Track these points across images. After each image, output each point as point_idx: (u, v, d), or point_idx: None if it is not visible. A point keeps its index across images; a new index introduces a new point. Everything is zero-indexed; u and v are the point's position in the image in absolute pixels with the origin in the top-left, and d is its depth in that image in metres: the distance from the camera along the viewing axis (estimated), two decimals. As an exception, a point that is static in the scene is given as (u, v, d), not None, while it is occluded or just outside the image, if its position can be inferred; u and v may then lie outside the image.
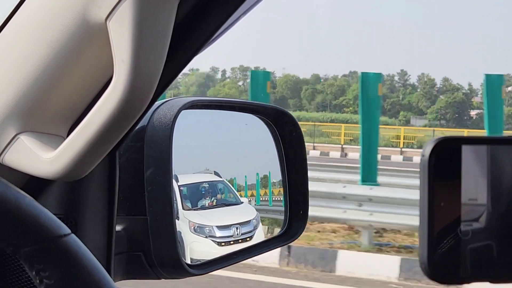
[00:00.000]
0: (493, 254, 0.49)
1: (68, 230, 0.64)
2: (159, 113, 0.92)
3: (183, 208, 1.07)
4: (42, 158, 0.72)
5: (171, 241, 0.91)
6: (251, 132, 1.16)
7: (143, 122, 0.92)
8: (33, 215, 0.62)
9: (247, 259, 1.08)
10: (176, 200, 1.05)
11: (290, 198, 1.12)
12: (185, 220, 1.07)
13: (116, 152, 0.87)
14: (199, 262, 1.02)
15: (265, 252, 1.09)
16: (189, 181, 1.10)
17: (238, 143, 1.19)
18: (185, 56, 0.80)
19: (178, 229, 1.02)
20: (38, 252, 0.61)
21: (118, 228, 0.91)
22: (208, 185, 1.13)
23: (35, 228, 0.62)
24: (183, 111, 0.93)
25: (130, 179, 0.92)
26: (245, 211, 1.14)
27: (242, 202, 1.13)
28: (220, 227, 1.11)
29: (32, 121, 0.75)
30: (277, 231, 1.15)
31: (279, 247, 1.12)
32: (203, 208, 1.12)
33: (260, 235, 1.13)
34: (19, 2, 0.74)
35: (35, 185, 0.79)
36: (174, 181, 1.02)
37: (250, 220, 1.14)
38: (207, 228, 1.09)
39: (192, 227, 1.08)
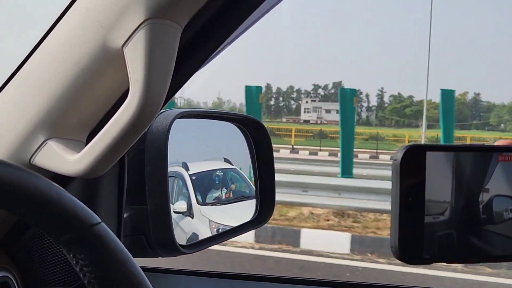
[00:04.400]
0: (453, 240, 0.50)
1: (99, 219, 0.66)
2: (157, 122, 0.95)
3: (197, 203, 1.08)
4: (67, 160, 0.76)
5: (167, 226, 0.94)
6: (230, 137, 1.15)
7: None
8: (71, 207, 0.64)
9: (226, 240, 1.10)
10: (188, 191, 1.06)
11: (260, 190, 1.14)
12: (203, 219, 1.08)
13: (125, 154, 0.92)
14: (189, 243, 1.03)
15: (240, 234, 1.11)
16: (200, 169, 1.10)
17: (220, 146, 1.19)
18: (186, 74, 0.84)
19: (193, 226, 1.05)
20: (75, 239, 0.64)
21: (125, 215, 0.95)
22: (222, 173, 1.14)
23: (73, 218, 0.64)
24: (176, 120, 0.95)
25: (134, 176, 0.95)
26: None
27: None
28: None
29: (58, 129, 0.79)
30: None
31: (252, 230, 1.14)
32: (221, 201, 1.13)
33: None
34: (51, 27, 0.77)
35: (59, 182, 0.84)
36: (184, 170, 1.05)
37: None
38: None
39: (215, 229, 1.08)
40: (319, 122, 64.99)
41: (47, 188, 0.62)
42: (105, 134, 0.73)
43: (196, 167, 1.10)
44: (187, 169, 1.08)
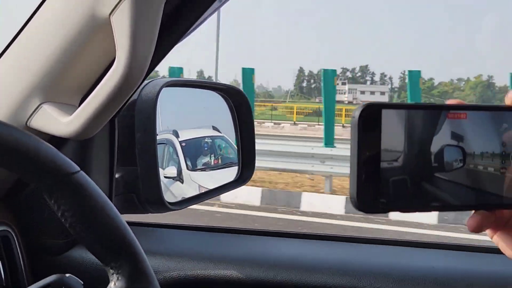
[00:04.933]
0: (407, 186, 0.52)
1: (78, 168, 0.68)
2: (146, 90, 0.99)
3: (187, 169, 1.13)
4: (61, 122, 0.81)
5: (156, 185, 0.99)
6: (215, 106, 1.19)
7: (134, 96, 0.98)
8: (50, 157, 0.66)
9: (211, 198, 1.16)
10: (178, 157, 1.11)
11: (242, 152, 1.19)
12: (193, 184, 1.14)
13: (115, 119, 0.97)
14: (176, 200, 1.08)
15: (224, 193, 1.17)
16: (190, 136, 1.17)
17: (207, 114, 1.24)
18: (169, 44, 0.88)
19: (183, 191, 1.10)
20: (55, 185, 0.66)
21: (117, 175, 1.00)
22: (210, 140, 1.20)
23: (53, 166, 0.66)
24: (164, 89, 0.99)
25: (125, 140, 0.99)
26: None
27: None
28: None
29: (52, 94, 0.84)
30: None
31: (234, 189, 1.18)
32: (210, 167, 1.19)
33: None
34: (40, 2, 0.81)
35: (54, 145, 0.88)
36: (174, 137, 1.11)
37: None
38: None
39: (203, 191, 1.15)
40: (354, 102, 67.05)
41: (26, 140, 0.65)
42: (95, 97, 0.77)
43: (186, 135, 1.15)
44: (177, 136, 1.13)
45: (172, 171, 1.12)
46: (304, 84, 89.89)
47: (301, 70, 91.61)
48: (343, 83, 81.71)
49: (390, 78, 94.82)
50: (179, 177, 1.13)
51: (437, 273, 0.91)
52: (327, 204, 7.17)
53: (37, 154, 0.65)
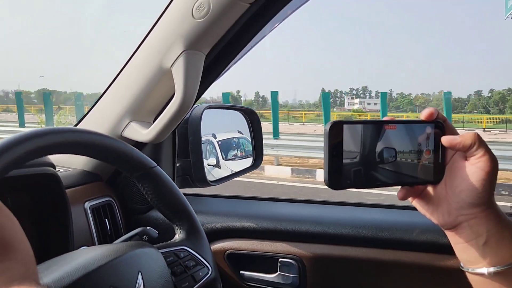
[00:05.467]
0: (361, 173, 0.60)
1: (155, 164, 0.79)
2: (194, 111, 1.09)
3: (223, 158, 1.27)
4: (142, 133, 0.95)
5: (202, 170, 1.10)
6: (237, 120, 1.32)
7: (187, 115, 1.07)
8: (138, 156, 0.77)
9: (236, 177, 1.26)
10: (216, 151, 1.25)
11: (255, 149, 1.30)
12: (227, 169, 1.27)
13: (176, 129, 1.10)
14: (214, 179, 1.18)
15: (243, 174, 1.27)
16: (223, 137, 1.29)
17: (234, 124, 1.35)
18: (208, 83, 0.99)
19: (219, 173, 1.22)
20: (142, 175, 0.77)
21: (177, 164, 1.13)
22: (237, 140, 1.31)
23: (140, 162, 0.77)
24: (205, 110, 1.11)
25: (182, 142, 1.11)
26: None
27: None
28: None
29: (136, 115, 0.98)
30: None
31: (250, 172, 1.28)
32: (237, 158, 1.31)
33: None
34: (132, 54, 0.94)
35: (138, 147, 0.99)
36: (213, 138, 1.24)
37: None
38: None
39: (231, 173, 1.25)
40: (362, 110, 74.57)
41: (123, 146, 0.74)
42: (163, 117, 0.90)
43: (221, 136, 1.29)
44: (215, 137, 1.26)
45: (213, 161, 1.25)
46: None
47: (322, 90, 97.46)
48: (352, 98, 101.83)
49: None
50: (217, 165, 1.26)
51: (367, 221, 1.02)
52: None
53: (131, 155, 0.75)
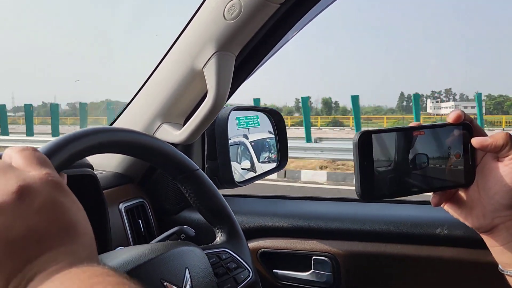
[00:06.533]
0: (396, 182, 0.60)
1: (198, 167, 0.79)
2: (222, 112, 1.09)
3: (258, 161, 1.26)
4: (174, 134, 0.95)
5: (229, 172, 1.11)
6: (263, 121, 1.31)
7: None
8: (183, 159, 0.79)
9: (263, 178, 1.26)
10: (250, 153, 1.25)
11: (280, 150, 1.30)
12: (260, 171, 1.26)
13: (205, 131, 1.10)
14: (241, 180, 1.18)
15: (268, 175, 1.27)
16: (256, 138, 1.29)
17: (259, 125, 1.32)
18: (238, 84, 0.99)
19: (247, 174, 1.21)
20: (186, 178, 0.79)
21: (206, 165, 1.15)
22: (270, 140, 1.31)
23: (184, 165, 0.78)
24: (232, 111, 1.12)
25: (211, 144, 1.12)
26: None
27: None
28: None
29: (168, 117, 0.98)
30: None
31: (275, 173, 1.28)
32: (271, 160, 1.31)
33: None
34: (164, 56, 0.95)
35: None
36: (245, 139, 1.23)
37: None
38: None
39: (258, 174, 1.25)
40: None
41: (169, 148, 0.77)
42: (194, 119, 0.91)
43: (253, 136, 1.28)
44: (247, 138, 1.26)
45: (246, 164, 1.25)
46: (404, 103, 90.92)
47: (402, 94, 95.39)
48: (437, 101, 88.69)
49: (467, 97, 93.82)
50: (252, 168, 1.26)
51: (400, 218, 1.02)
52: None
53: (176, 157, 0.77)
